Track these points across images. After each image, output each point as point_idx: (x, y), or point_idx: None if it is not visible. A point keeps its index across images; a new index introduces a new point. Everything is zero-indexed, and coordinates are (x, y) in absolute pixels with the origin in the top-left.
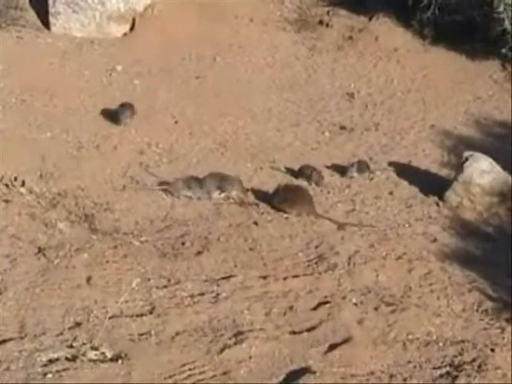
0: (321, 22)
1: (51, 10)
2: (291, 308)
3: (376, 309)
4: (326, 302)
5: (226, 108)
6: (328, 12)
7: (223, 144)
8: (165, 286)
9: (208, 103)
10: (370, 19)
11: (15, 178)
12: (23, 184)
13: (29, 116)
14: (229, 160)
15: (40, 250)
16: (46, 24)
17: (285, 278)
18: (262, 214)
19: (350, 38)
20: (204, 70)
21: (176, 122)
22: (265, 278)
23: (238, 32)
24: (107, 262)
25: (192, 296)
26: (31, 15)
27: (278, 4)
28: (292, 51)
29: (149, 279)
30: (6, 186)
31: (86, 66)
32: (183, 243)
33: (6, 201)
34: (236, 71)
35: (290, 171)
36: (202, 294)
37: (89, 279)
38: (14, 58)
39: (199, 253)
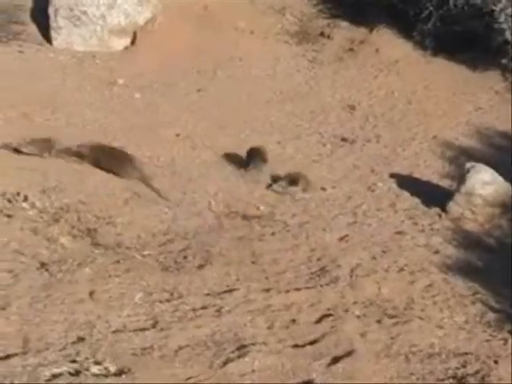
0: (321, 34)
1: (52, 24)
2: (294, 321)
3: (379, 321)
4: (329, 315)
5: (227, 121)
6: (329, 24)
7: (225, 157)
8: (167, 300)
9: (209, 116)
10: (371, 31)
11: (17, 193)
12: (25, 199)
13: (30, 130)
14: (230, 173)
15: (42, 264)
16: (48, 38)
17: (287, 291)
18: (264, 226)
19: (351, 49)
20: (205, 83)
21: (177, 135)
22: (267, 291)
23: (238, 44)
24: (110, 276)
25: (194, 310)
26: (32, 30)
27: (279, 16)
28: (293, 63)
29: (151, 293)
30: (9, 200)
31: (88, 80)
32: (185, 257)
33: (9, 216)
34: (237, 84)
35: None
36: (204, 308)
37: (91, 294)
38: (16, 72)
39: (201, 266)
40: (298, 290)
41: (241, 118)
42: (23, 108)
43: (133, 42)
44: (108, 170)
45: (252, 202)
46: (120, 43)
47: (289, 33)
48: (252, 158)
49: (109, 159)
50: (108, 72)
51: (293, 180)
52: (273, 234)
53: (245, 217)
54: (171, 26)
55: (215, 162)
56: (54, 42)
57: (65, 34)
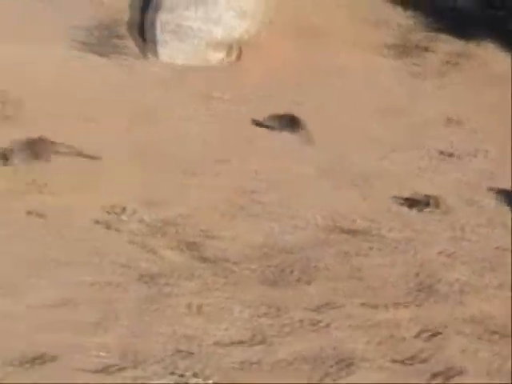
0: (421, 48)
1: (158, 38)
2: (395, 337)
3: (486, 339)
4: (433, 331)
5: (327, 134)
6: (428, 37)
7: (325, 171)
8: (269, 314)
9: (309, 129)
10: (473, 44)
11: (123, 207)
12: (130, 212)
13: (134, 144)
14: (332, 187)
15: (146, 277)
16: (150, 52)
17: (388, 306)
18: (367, 241)
19: (453, 63)
20: (304, 97)
21: (281, 149)
22: (368, 306)
23: (338, 58)
24: (211, 289)
25: (296, 324)
26: (132, 44)
27: (377, 29)
28: (393, 76)
29: (253, 307)
30: (114, 213)
31: (189, 94)
32: (288, 271)
33: (117, 229)
34: (336, 97)
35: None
36: (305, 322)
37: (193, 307)
38: (118, 86)
39: (304, 281)
40: (400, 305)
41: (341, 132)
42: (125, 121)
43: (235, 56)
44: None
45: (355, 217)
46: (221, 57)
47: (387, 46)
48: None
49: None
50: (210, 86)
51: (430, 202)
52: (375, 248)
53: (348, 231)
54: (272, 39)
55: (318, 176)
56: (157, 56)
57: (167, 48)
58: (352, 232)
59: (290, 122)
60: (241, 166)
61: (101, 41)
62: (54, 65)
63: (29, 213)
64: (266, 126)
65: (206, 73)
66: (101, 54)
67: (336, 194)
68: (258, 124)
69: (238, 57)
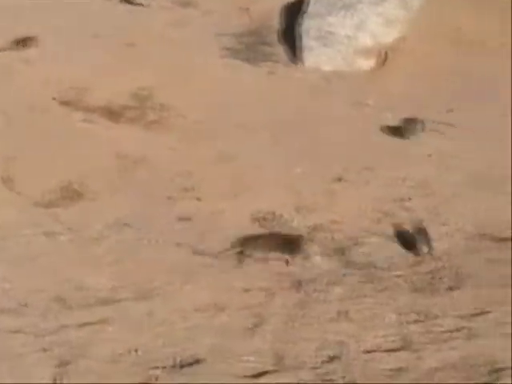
0: None
1: (304, 44)
2: None
3: None
4: None
5: (478, 139)
6: None
7: (474, 177)
8: (419, 321)
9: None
10: None
11: (273, 212)
12: (278, 218)
13: (284, 150)
14: (486, 197)
15: (297, 283)
16: (295, 58)
17: None
18: None
19: None
20: (456, 104)
21: (429, 156)
22: None
23: (488, 65)
24: (360, 296)
25: (446, 332)
26: (280, 50)
27: None
28: None
29: (402, 314)
30: (263, 220)
31: (335, 100)
32: (436, 278)
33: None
34: (489, 106)
35: None
36: (456, 330)
37: (343, 313)
38: (265, 93)
39: (452, 288)
40: None
41: (489, 138)
42: (275, 127)
43: (380, 63)
44: None
45: (504, 225)
46: (366, 63)
47: None
48: None
49: None
50: (355, 92)
51: None
52: None
53: (497, 239)
54: (420, 46)
55: (466, 183)
56: (304, 62)
57: (313, 54)
58: (501, 240)
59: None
60: (387, 173)
61: (249, 48)
62: (202, 71)
63: (180, 219)
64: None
65: (351, 79)
66: (249, 61)
67: (485, 201)
68: (401, 130)
69: (383, 62)
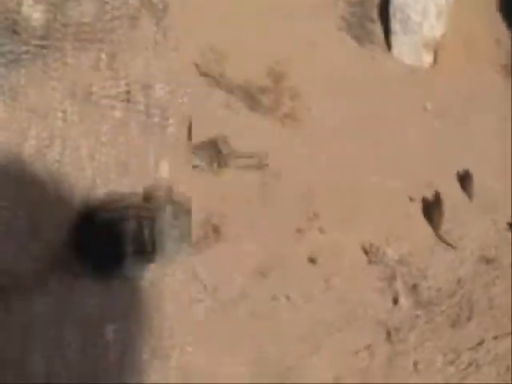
0: None
1: (391, 27)
2: None
3: None
4: None
5: None
6: None
7: None
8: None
9: None
10: None
11: (371, 244)
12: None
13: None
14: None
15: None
16: (385, 43)
17: None
18: None
19: None
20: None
21: None
22: None
23: None
24: None
25: None
26: (378, 30)
27: None
28: None
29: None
30: (371, 252)
31: (399, 96)
32: None
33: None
34: None
35: None
36: None
37: None
38: (355, 80)
39: None
40: None
41: None
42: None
43: (434, 58)
44: None
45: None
46: (428, 59)
47: None
48: None
49: None
50: (418, 91)
51: None
52: None
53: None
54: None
55: None
56: (392, 50)
57: (397, 42)
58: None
59: None
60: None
61: (360, 22)
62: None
63: (311, 260)
64: None
65: (416, 75)
66: (358, 40)
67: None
68: None
69: (435, 59)
